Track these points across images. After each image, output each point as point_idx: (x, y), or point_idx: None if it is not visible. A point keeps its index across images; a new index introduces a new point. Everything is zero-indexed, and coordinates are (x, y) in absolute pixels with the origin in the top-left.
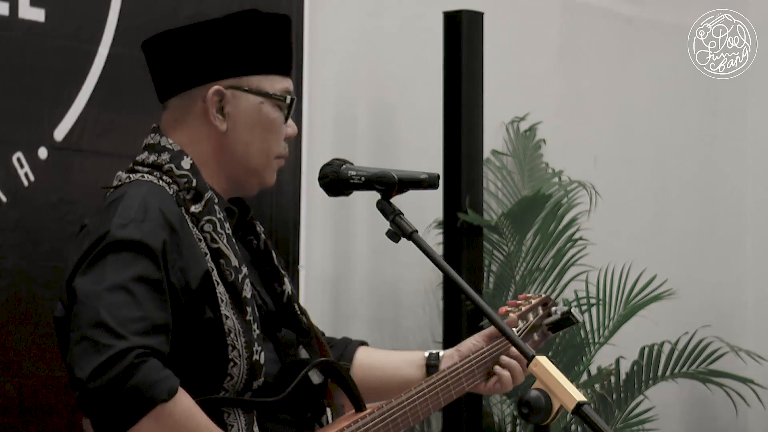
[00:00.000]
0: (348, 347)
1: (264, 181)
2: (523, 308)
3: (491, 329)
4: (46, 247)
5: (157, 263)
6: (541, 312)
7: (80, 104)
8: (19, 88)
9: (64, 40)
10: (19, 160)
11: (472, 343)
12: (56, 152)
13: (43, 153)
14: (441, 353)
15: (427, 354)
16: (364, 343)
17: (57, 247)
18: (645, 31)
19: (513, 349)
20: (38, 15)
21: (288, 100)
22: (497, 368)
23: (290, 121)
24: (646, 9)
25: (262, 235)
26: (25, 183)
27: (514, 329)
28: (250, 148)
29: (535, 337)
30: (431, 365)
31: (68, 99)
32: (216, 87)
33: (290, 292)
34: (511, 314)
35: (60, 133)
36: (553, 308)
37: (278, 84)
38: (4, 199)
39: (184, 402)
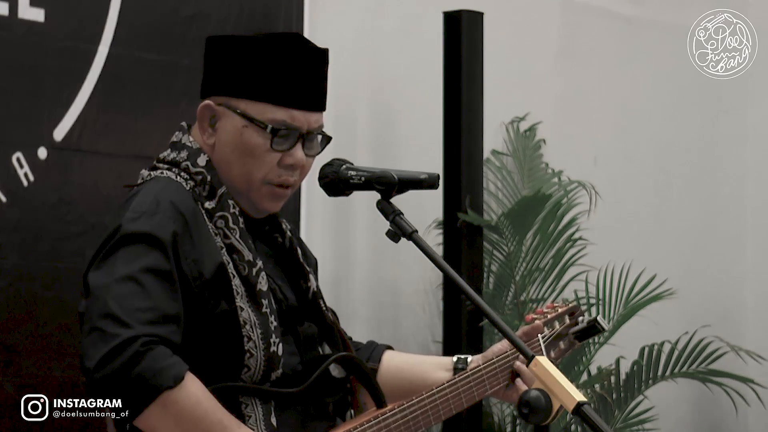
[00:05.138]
0: (375, 350)
1: (257, 205)
2: (550, 316)
3: (519, 332)
4: (46, 247)
5: (167, 255)
6: (568, 321)
7: (80, 104)
8: (19, 88)
9: (64, 40)
10: (18, 160)
11: (498, 347)
12: (56, 152)
13: (42, 153)
14: (469, 358)
15: (455, 359)
16: (390, 348)
17: (57, 247)
18: (645, 31)
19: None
20: (38, 15)
21: (269, 129)
22: (518, 381)
23: (294, 150)
24: (645, 9)
25: (288, 233)
26: (25, 183)
27: (539, 336)
28: (231, 168)
29: (561, 345)
30: (459, 369)
31: (68, 99)
32: (207, 102)
33: (315, 289)
34: (537, 321)
35: (60, 133)
36: (580, 318)
37: (270, 113)
38: (4, 199)
39: (191, 389)
